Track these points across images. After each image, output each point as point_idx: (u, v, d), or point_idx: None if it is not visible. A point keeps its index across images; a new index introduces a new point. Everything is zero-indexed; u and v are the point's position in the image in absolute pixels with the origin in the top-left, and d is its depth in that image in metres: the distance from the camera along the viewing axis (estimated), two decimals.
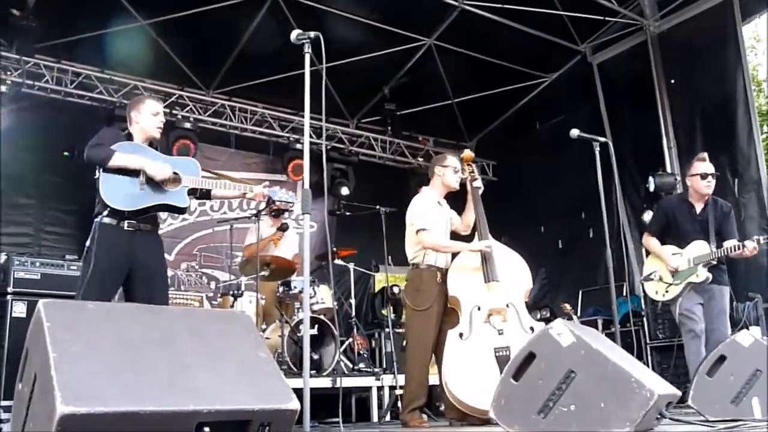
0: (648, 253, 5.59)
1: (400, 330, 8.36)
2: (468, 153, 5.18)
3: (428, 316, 4.66)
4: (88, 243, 3.87)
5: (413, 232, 4.81)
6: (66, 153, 7.26)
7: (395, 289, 8.78)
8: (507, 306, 4.59)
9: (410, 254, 4.88)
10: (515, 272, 4.79)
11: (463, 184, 5.08)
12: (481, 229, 4.89)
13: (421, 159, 10.36)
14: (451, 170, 4.98)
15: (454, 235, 5.10)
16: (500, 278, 4.67)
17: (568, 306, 7.45)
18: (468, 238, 5.02)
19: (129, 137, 4.14)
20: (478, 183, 5.11)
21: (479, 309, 4.58)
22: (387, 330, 7.58)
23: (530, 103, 10.04)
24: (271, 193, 4.40)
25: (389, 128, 10.00)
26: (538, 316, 8.27)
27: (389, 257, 7.18)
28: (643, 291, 5.69)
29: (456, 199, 5.21)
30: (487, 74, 9.17)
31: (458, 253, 4.83)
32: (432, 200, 4.95)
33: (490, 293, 4.62)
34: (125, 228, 3.94)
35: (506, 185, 10.24)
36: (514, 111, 10.29)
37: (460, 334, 4.52)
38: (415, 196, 5.04)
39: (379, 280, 10.06)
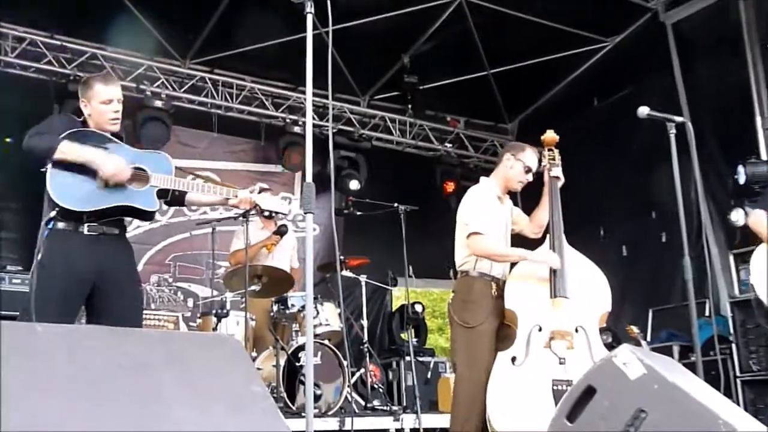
0: (751, 241, 5.53)
1: (424, 358, 8.39)
2: (551, 135, 5.17)
3: (480, 335, 4.64)
4: (38, 253, 3.89)
5: (464, 232, 4.83)
6: (8, 139, 7.34)
7: (417, 308, 8.79)
8: (576, 330, 4.58)
9: (459, 259, 4.87)
10: (591, 289, 4.75)
11: (539, 174, 5.08)
12: (554, 231, 4.86)
13: (449, 145, 10.38)
14: (522, 167, 4.94)
15: (517, 239, 5.10)
16: (570, 294, 4.65)
17: (635, 329, 7.40)
18: (538, 243, 5.00)
19: (85, 124, 4.16)
20: (558, 171, 5.09)
21: (540, 330, 4.56)
22: (408, 358, 7.59)
23: (586, 74, 9.99)
24: (260, 200, 4.42)
25: (410, 107, 10.02)
26: None
27: (410, 267, 7.18)
28: (732, 311, 5.64)
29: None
30: (532, 38, 9.16)
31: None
32: (492, 195, 4.93)
33: (556, 312, 4.59)
34: (85, 233, 3.98)
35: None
36: (565, 84, 10.27)
37: (513, 359, 4.50)
38: (471, 188, 5.04)
39: (398, 296, 10.09)
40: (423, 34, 9.23)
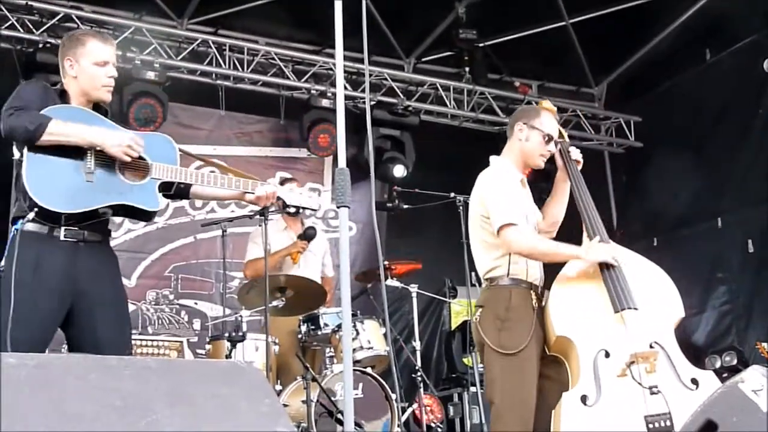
0: None
1: None
2: (549, 106, 5.12)
3: (523, 363, 4.59)
4: (2, 263, 3.92)
5: (487, 229, 4.79)
6: None
7: None
8: (651, 347, 4.54)
9: (484, 265, 4.81)
10: (659, 293, 4.70)
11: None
12: (592, 225, 4.77)
13: None
14: (541, 136, 4.86)
15: None
16: (639, 305, 4.60)
17: (766, 346, 7.32)
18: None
19: (63, 96, 4.17)
20: (577, 154, 5.04)
21: (607, 356, 4.50)
22: (473, 389, 7.57)
23: (696, 19, 9.86)
24: (283, 194, 4.43)
25: (467, 70, 9.99)
26: (718, 364, 8.13)
27: (473, 274, 7.14)
28: None
29: None
30: None
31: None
32: (513, 177, 4.88)
33: (625, 329, 4.54)
34: (61, 239, 3.99)
35: (657, 153, 10.18)
36: (667, 35, 10.15)
37: (583, 398, 4.43)
38: (483, 172, 4.96)
39: (458, 311, 10.06)
40: None
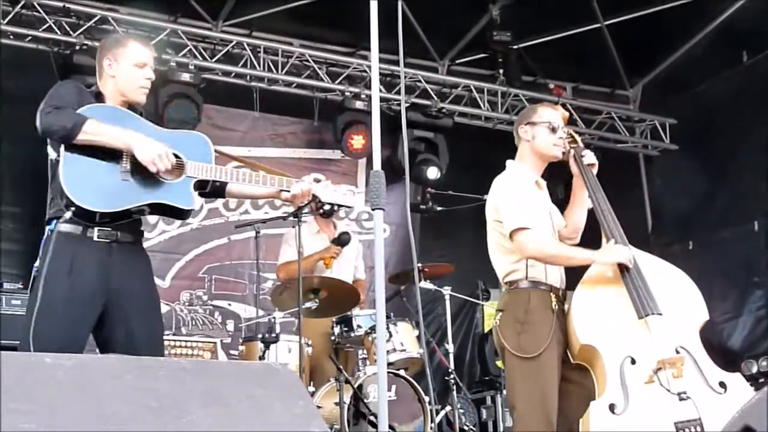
0: None
1: None
2: (561, 110, 5.04)
3: (543, 366, 4.56)
4: (37, 263, 3.94)
5: (502, 234, 4.76)
6: None
7: None
8: (677, 351, 4.50)
9: (502, 269, 4.80)
10: (681, 297, 4.65)
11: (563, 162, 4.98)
12: (609, 228, 4.73)
13: None
14: (545, 129, 4.82)
15: None
16: (663, 309, 4.55)
17: None
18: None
19: (98, 98, 4.19)
20: (591, 157, 4.97)
21: (633, 362, 4.46)
22: (506, 392, 7.53)
23: (733, 20, 9.77)
24: (319, 191, 4.41)
25: (501, 72, 9.96)
26: (755, 369, 8.06)
27: None
28: None
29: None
30: None
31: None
32: (527, 180, 4.86)
33: (650, 335, 4.50)
34: (95, 239, 4.00)
35: (693, 156, 10.09)
36: (703, 37, 10.07)
37: (612, 407, 4.38)
38: (498, 177, 4.92)
39: (491, 313, 9.99)
40: None
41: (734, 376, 4.43)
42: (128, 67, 4.17)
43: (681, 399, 4.31)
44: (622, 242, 4.64)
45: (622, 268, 4.58)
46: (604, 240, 4.73)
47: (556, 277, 4.71)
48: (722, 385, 4.37)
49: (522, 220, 4.61)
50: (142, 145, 3.94)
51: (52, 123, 3.86)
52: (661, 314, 4.49)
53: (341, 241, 7.12)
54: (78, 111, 3.93)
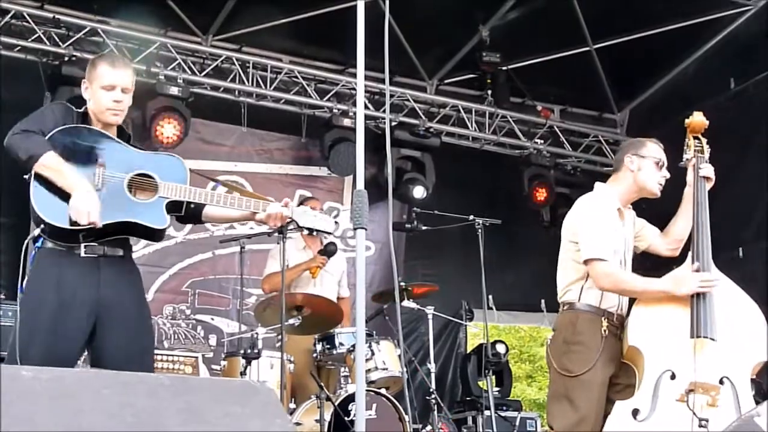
0: None
1: (508, 413, 8.31)
2: (699, 118, 4.98)
3: (584, 386, 4.57)
4: (23, 279, 3.96)
5: (575, 256, 4.75)
6: None
7: (500, 348, 8.72)
8: (720, 383, 4.47)
9: (561, 286, 4.83)
10: (745, 330, 4.61)
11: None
12: (699, 249, 4.69)
13: (539, 141, 10.30)
14: (652, 164, 4.82)
15: (645, 258, 5.04)
16: (718, 336, 4.51)
17: None
18: (674, 261, 4.92)
19: (84, 118, 4.20)
20: (708, 170, 4.92)
21: (673, 377, 4.47)
22: (487, 413, 7.53)
23: (721, 47, 9.82)
24: (296, 215, 4.41)
25: (489, 93, 9.99)
26: None
27: (490, 297, 7.13)
28: None
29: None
30: (648, 1, 9.07)
31: None
32: (611, 207, 4.84)
33: (697, 357, 4.49)
34: (82, 255, 4.01)
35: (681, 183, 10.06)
36: (691, 62, 10.11)
37: (635, 411, 4.41)
38: (583, 197, 4.96)
39: (475, 333, 10.04)
40: (506, 0, 9.16)
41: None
42: (97, 89, 4.18)
43: (700, 425, 4.30)
44: (705, 268, 4.62)
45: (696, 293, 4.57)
46: (688, 259, 4.72)
47: (613, 302, 4.72)
48: None
49: (599, 251, 4.62)
50: (80, 195, 3.89)
51: (13, 147, 3.91)
52: (714, 340, 4.49)
53: (328, 251, 7.13)
54: (51, 133, 3.97)
